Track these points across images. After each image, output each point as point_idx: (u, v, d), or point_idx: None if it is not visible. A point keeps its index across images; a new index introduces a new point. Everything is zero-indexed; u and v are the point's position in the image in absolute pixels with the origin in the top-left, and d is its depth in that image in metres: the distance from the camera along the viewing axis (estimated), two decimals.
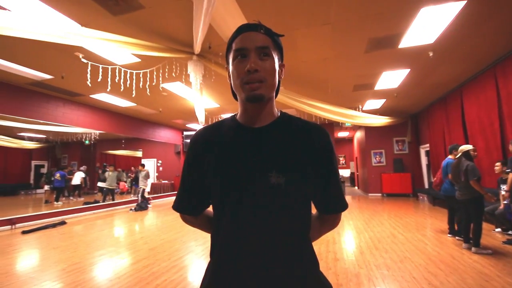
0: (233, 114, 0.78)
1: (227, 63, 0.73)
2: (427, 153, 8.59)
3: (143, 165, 8.19)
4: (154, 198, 9.50)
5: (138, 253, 3.60)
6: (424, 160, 8.95)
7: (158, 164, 11.07)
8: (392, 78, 5.58)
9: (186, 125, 10.52)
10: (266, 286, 0.62)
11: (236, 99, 0.75)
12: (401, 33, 3.77)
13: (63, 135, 10.04)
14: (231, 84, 0.72)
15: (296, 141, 0.70)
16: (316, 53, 4.40)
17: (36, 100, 5.94)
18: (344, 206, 0.75)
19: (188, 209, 0.80)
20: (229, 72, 0.72)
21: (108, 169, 8.47)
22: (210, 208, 0.80)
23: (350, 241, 3.95)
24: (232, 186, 0.67)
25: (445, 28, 3.62)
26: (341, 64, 4.85)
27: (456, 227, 4.03)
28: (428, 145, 8.16)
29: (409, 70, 5.15)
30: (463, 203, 3.51)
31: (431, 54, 4.36)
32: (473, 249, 3.30)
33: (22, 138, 10.34)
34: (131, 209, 7.78)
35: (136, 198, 8.29)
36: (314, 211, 0.79)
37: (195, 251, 3.63)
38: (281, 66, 0.74)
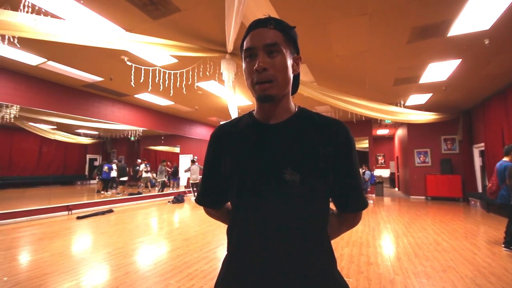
0: (251, 111, 0.79)
1: (242, 61, 0.72)
2: (482, 153, 7.67)
3: (193, 161, 9.07)
4: (189, 192, 9.99)
5: (173, 242, 3.82)
6: (477, 161, 8.01)
7: (195, 159, 11.57)
8: (440, 70, 5.07)
9: (221, 123, 10.79)
10: (279, 282, 0.62)
11: None
12: (450, 19, 3.40)
13: (112, 132, 11.06)
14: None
15: (313, 137, 0.68)
16: (352, 47, 4.19)
17: (90, 100, 6.62)
18: (364, 205, 0.71)
19: (209, 203, 0.83)
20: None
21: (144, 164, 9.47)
22: None
23: (386, 245, 3.72)
24: (248, 182, 0.68)
25: (504, 12, 3.18)
26: (380, 57, 4.55)
27: None
28: (483, 144, 7.28)
29: (460, 60, 4.63)
30: None
31: (487, 42, 3.87)
32: None
33: (79, 134, 11.61)
34: (169, 202, 8.30)
35: (174, 191, 9.07)
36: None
37: (226, 243, 3.74)
38: (296, 59, 0.72)
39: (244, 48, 0.67)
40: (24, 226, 4.89)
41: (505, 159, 3.67)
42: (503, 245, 3.58)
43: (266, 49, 0.65)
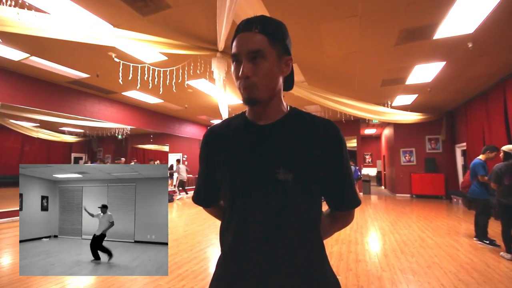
0: (243, 111, 0.79)
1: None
2: (464, 152, 7.97)
3: (179, 160, 9.21)
4: (182, 191, 9.88)
5: None
6: (459, 160, 8.32)
7: (184, 159, 11.44)
8: (425, 72, 5.22)
9: (210, 121, 10.75)
10: (273, 280, 0.63)
11: None
12: (436, 23, 3.51)
13: (99, 130, 10.76)
14: None
15: (305, 136, 0.69)
16: (342, 48, 4.25)
17: (75, 97, 6.42)
18: (357, 202, 0.73)
19: (203, 201, 0.86)
20: None
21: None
22: None
23: (373, 243, 3.82)
24: (241, 183, 0.68)
25: (487, 17, 3.30)
26: (369, 58, 4.64)
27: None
28: (464, 144, 7.57)
29: (444, 62, 4.79)
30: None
31: (470, 45, 4.01)
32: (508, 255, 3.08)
33: (63, 132, 11.24)
34: None
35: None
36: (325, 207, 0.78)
37: (216, 243, 3.74)
38: (286, 60, 0.70)
39: (231, 52, 0.69)
40: (6, 227, 4.70)
41: (480, 157, 3.87)
42: (474, 238, 3.80)
43: (249, 56, 0.65)
